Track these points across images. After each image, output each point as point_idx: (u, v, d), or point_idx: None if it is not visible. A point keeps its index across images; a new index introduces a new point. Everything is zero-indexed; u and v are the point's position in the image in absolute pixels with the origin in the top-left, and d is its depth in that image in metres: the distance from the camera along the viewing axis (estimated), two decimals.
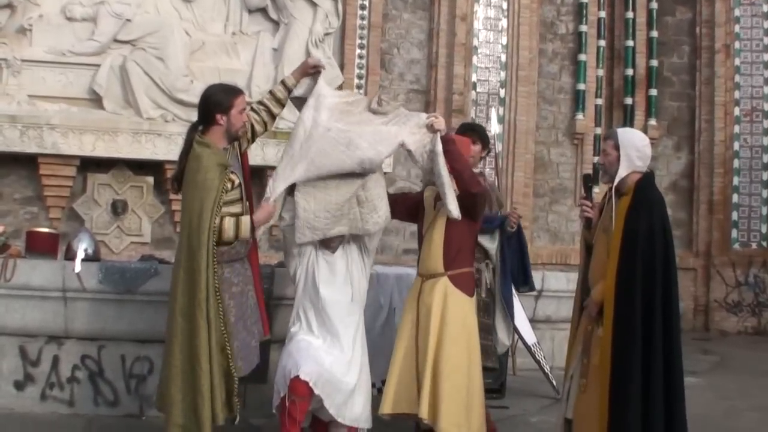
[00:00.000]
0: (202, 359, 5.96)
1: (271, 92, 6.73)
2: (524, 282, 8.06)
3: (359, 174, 6.55)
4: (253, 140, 6.58)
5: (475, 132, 7.58)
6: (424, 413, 6.53)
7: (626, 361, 5.47)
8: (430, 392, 6.55)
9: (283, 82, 6.73)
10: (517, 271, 7.90)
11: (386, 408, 6.66)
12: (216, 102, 6.16)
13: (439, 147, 6.53)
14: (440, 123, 6.67)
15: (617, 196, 5.81)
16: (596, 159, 15.63)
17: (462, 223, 6.73)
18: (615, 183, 5.83)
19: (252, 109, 6.53)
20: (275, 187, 6.53)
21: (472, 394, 6.65)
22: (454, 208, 6.54)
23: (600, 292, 5.73)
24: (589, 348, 5.79)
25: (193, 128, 6.25)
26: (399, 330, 6.90)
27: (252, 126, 6.46)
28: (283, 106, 6.73)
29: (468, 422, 6.57)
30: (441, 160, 6.53)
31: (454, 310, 6.73)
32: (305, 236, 6.55)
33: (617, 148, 5.84)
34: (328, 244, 6.71)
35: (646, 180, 5.87)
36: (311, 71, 6.74)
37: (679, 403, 5.55)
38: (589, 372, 5.72)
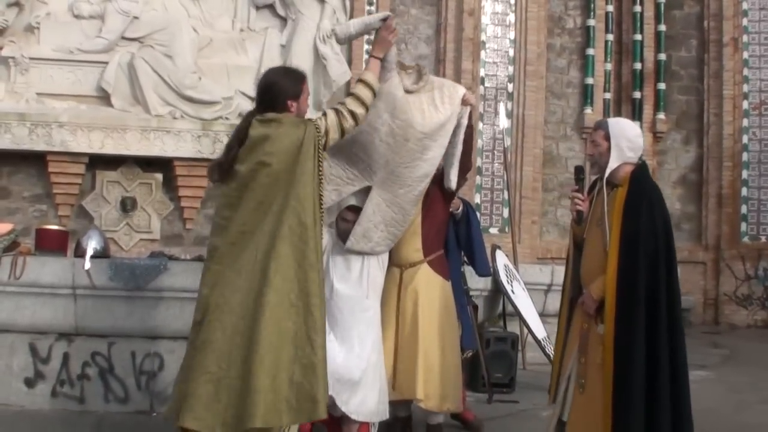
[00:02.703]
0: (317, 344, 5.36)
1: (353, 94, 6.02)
2: (474, 267, 7.99)
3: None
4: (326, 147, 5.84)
5: None
6: (420, 395, 6.76)
7: (630, 359, 5.34)
8: (425, 377, 6.74)
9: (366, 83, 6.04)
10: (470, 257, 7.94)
11: None
12: (286, 87, 5.74)
13: (466, 120, 6.67)
14: (473, 99, 6.81)
15: (610, 188, 5.67)
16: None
17: (437, 207, 6.97)
18: (606, 174, 5.68)
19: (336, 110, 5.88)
20: (346, 191, 6.55)
21: (458, 373, 7.06)
22: (454, 180, 6.82)
23: (600, 288, 5.53)
24: (586, 346, 5.61)
25: (252, 113, 5.75)
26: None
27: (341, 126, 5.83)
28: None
29: (458, 397, 7.02)
30: (462, 133, 6.68)
31: (438, 295, 6.95)
32: (357, 244, 6.54)
33: (608, 138, 5.67)
34: (344, 237, 6.71)
35: (641, 171, 5.73)
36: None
37: (685, 401, 5.44)
38: (588, 372, 5.56)
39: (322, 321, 5.36)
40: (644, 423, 5.30)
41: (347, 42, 6.23)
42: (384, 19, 6.24)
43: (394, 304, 6.92)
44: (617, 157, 5.66)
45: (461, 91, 6.75)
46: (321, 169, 5.54)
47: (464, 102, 6.66)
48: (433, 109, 6.53)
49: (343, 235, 6.71)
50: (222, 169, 5.61)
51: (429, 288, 6.92)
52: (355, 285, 6.66)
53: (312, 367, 5.21)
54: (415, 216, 6.86)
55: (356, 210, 6.67)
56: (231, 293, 5.42)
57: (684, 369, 5.48)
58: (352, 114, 5.80)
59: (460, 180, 6.95)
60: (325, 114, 5.76)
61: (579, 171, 6.21)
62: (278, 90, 5.72)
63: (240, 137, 5.60)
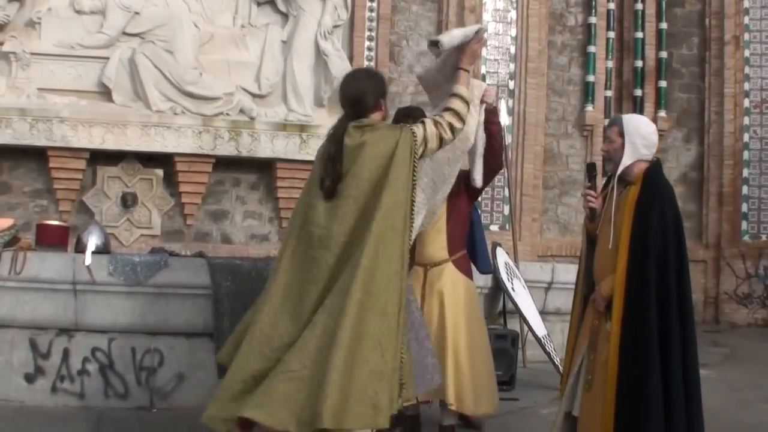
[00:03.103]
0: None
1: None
2: (476, 264, 7.78)
3: None
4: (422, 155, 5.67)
5: (409, 117, 7.29)
6: (451, 399, 6.67)
7: (640, 358, 5.30)
8: (456, 379, 6.68)
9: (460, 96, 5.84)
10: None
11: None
12: (375, 87, 5.65)
13: (482, 117, 6.61)
14: (492, 95, 6.75)
15: (623, 186, 5.65)
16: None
17: (462, 205, 6.93)
18: (619, 171, 5.65)
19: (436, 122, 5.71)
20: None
21: (491, 374, 6.96)
22: (479, 178, 6.75)
23: (609, 285, 5.52)
24: (596, 343, 5.60)
25: (345, 120, 5.59)
26: None
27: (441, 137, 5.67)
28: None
29: (494, 399, 6.92)
30: (480, 131, 6.63)
31: (464, 295, 6.89)
32: None
33: (622, 134, 5.63)
34: None
35: (655, 169, 5.69)
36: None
37: (696, 401, 5.43)
38: (595, 369, 5.55)
39: (397, 328, 5.18)
40: (662, 424, 5.28)
41: (442, 53, 6.10)
42: (477, 32, 6.09)
43: (419, 304, 6.81)
44: (631, 154, 5.62)
45: (483, 86, 6.71)
46: (415, 175, 5.43)
47: (482, 99, 6.60)
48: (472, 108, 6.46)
49: None
50: (334, 183, 5.39)
51: (455, 288, 6.86)
52: None
53: (379, 375, 5.05)
54: (440, 215, 6.84)
55: None
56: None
57: (695, 369, 5.47)
58: (451, 127, 5.65)
59: (487, 178, 6.88)
60: (423, 123, 5.62)
61: (591, 168, 6.16)
62: (369, 91, 5.62)
63: (338, 145, 5.47)
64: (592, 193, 5.82)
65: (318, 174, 5.48)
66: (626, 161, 5.62)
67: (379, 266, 5.17)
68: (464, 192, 6.92)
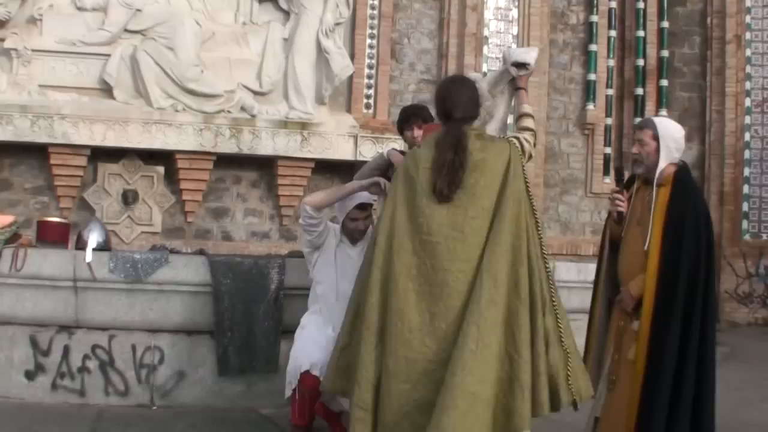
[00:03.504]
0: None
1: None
2: None
3: None
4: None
5: (418, 117, 7.26)
6: None
7: (660, 356, 5.39)
8: None
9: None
10: None
11: None
12: (477, 95, 5.68)
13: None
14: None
15: (651, 188, 5.73)
16: (608, 150, 15.64)
17: None
18: (657, 174, 5.73)
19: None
20: None
21: None
22: None
23: (639, 285, 5.58)
24: (620, 344, 5.67)
25: (457, 128, 5.48)
26: None
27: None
28: None
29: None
30: None
31: None
32: None
33: (656, 138, 5.75)
34: (351, 236, 6.73)
35: (685, 171, 5.81)
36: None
37: (709, 402, 5.51)
38: (620, 368, 5.62)
39: (527, 338, 5.07)
40: (665, 424, 5.34)
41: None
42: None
43: None
44: (666, 157, 5.74)
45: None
46: (529, 186, 5.46)
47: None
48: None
49: (351, 234, 6.73)
50: (453, 190, 5.29)
51: None
52: None
53: (509, 382, 4.99)
54: None
55: (364, 208, 6.69)
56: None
57: (711, 372, 5.55)
58: (531, 145, 5.75)
59: None
60: (518, 139, 5.65)
61: (619, 171, 6.23)
62: (476, 99, 5.63)
63: (462, 154, 5.35)
64: (620, 196, 5.88)
65: (428, 179, 5.35)
66: (662, 164, 5.74)
67: (521, 274, 5.14)
68: None
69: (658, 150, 5.75)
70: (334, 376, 5.49)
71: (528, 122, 5.86)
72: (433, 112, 6.46)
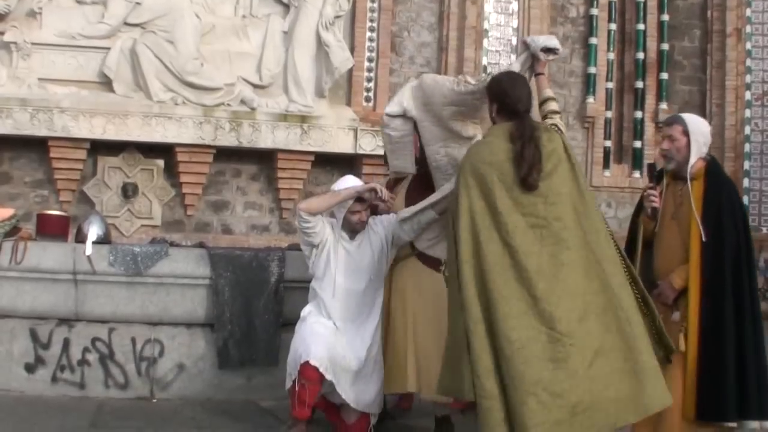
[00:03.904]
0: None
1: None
2: None
3: None
4: None
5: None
6: (413, 387, 6.71)
7: (720, 346, 5.59)
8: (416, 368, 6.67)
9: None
10: None
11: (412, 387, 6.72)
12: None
13: None
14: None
15: (683, 183, 5.91)
16: (607, 143, 15.63)
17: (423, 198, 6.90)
18: (690, 169, 5.92)
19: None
20: None
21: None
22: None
23: (682, 277, 5.76)
24: None
25: (526, 122, 5.79)
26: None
27: None
28: None
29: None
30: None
31: (429, 288, 6.80)
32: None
33: (686, 133, 5.92)
34: (351, 230, 6.75)
35: (715, 164, 6.06)
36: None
37: (766, 382, 5.73)
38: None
39: (634, 304, 5.49)
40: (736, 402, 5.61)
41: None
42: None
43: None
44: (696, 152, 5.94)
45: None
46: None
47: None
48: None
49: (352, 227, 6.75)
50: (539, 174, 5.56)
51: (422, 281, 6.87)
52: (358, 277, 6.69)
53: (629, 343, 5.31)
54: (399, 207, 7.02)
55: (364, 200, 6.71)
56: None
57: (764, 354, 5.78)
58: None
59: None
60: (555, 125, 6.02)
61: (654, 168, 6.34)
62: (531, 91, 6.04)
63: (537, 147, 5.60)
64: (655, 193, 5.97)
65: (509, 171, 5.56)
66: (692, 159, 5.94)
67: (612, 258, 5.52)
68: (424, 185, 6.98)
69: (688, 145, 5.91)
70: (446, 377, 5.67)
71: (554, 105, 6.21)
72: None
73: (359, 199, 6.71)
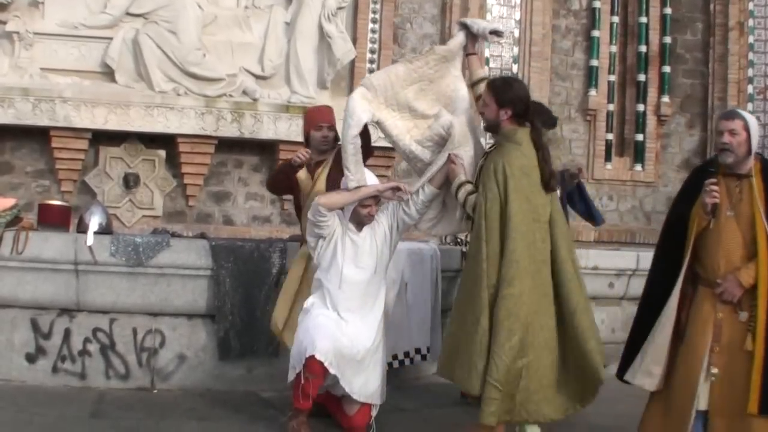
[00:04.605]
0: None
1: None
2: (594, 219, 9.50)
3: None
4: None
5: None
6: None
7: None
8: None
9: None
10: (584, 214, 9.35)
11: None
12: None
13: None
14: None
15: (737, 179, 5.89)
16: (609, 136, 15.62)
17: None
18: (750, 164, 5.91)
19: None
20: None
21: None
22: None
23: (750, 275, 5.66)
24: (720, 335, 5.73)
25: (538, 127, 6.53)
26: None
27: None
28: None
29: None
30: None
31: None
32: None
33: (747, 129, 5.88)
34: (357, 221, 6.75)
35: (766, 161, 6.00)
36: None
37: None
38: (723, 359, 5.69)
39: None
40: None
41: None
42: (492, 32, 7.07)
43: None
44: (754, 147, 5.91)
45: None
46: None
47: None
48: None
49: (361, 220, 6.75)
50: (554, 183, 6.44)
51: None
52: (364, 268, 6.70)
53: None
54: None
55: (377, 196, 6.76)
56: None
57: None
58: None
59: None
60: None
61: (713, 163, 6.27)
62: None
63: (548, 149, 6.45)
64: (716, 188, 5.87)
65: (537, 173, 6.31)
66: (749, 155, 5.91)
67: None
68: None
69: (748, 141, 5.88)
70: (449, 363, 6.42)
71: (484, 87, 6.65)
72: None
73: None
